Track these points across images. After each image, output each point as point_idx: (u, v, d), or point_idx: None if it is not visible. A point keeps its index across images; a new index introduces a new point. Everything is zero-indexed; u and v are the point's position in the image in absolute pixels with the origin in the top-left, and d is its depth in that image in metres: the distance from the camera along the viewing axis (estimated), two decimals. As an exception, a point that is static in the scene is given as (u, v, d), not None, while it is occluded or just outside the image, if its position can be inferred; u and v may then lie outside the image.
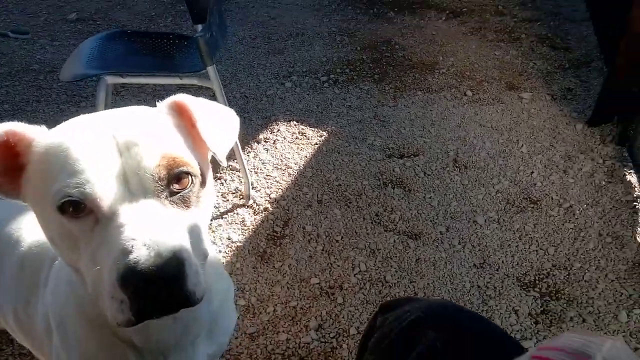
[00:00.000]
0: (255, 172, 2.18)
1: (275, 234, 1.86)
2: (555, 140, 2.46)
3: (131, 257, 0.51)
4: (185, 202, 0.61)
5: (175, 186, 0.60)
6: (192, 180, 0.61)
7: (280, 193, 2.06)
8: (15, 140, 0.59)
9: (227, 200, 2.01)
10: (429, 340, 0.60)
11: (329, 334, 1.51)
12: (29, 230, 0.89)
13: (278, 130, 2.46)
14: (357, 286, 1.67)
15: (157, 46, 2.01)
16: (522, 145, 2.41)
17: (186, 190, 0.61)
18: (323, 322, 1.54)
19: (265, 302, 1.59)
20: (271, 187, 2.09)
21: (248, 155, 2.26)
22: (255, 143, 2.36)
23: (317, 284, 1.67)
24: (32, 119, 2.54)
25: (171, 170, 0.59)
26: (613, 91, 2.43)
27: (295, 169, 2.21)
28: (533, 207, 2.05)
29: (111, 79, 1.74)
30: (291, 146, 2.36)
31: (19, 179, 0.61)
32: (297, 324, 1.53)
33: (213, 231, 1.85)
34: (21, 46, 3.04)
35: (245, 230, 1.87)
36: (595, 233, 1.91)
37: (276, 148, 2.33)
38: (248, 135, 2.39)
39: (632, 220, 1.96)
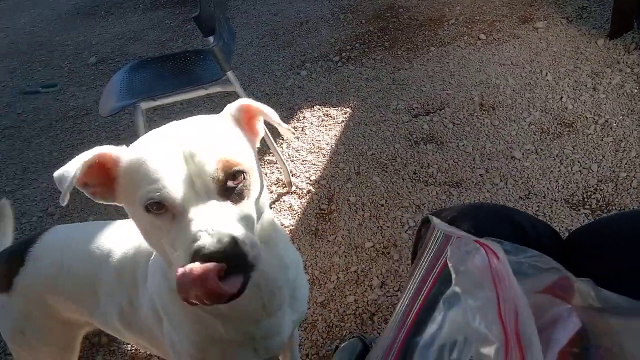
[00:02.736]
0: (292, 161, 2.27)
1: (322, 211, 1.96)
2: (579, 61, 2.43)
3: (198, 243, 0.65)
4: (239, 195, 0.74)
5: (231, 183, 0.72)
6: (245, 176, 0.74)
7: (319, 174, 2.15)
8: (104, 160, 0.74)
9: (272, 192, 2.12)
10: (463, 231, 0.67)
11: (392, 288, 1.59)
12: (118, 243, 1.04)
13: (304, 117, 2.54)
14: (409, 241, 1.74)
15: (178, 65, 2.14)
16: (547, 74, 2.40)
17: (240, 185, 0.74)
18: (385, 279, 1.63)
19: (327, 273, 1.69)
20: (309, 171, 2.19)
21: (281, 147, 2.36)
22: (286, 134, 2.45)
23: (371, 246, 1.75)
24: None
25: (227, 171, 0.72)
26: (627, -3, 2.38)
27: (328, 149, 2.29)
28: (569, 131, 2.05)
29: (145, 105, 1.87)
30: (319, 129, 2.44)
31: (114, 188, 0.76)
32: (361, 285, 1.62)
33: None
34: (54, 98, 3.26)
35: (295, 214, 1.97)
36: (635, 141, 1.90)
37: (306, 134, 2.42)
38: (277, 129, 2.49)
39: (673, 120, 1.93)
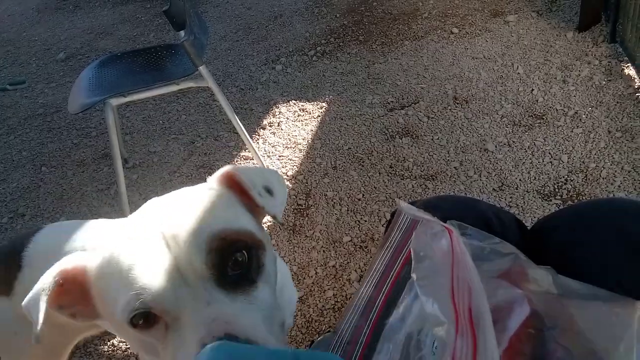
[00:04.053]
0: (268, 156, 2.26)
1: (300, 207, 1.96)
2: (549, 54, 2.48)
3: None
4: (250, 281, 0.57)
5: (234, 268, 0.56)
6: (253, 254, 0.58)
7: (296, 169, 2.15)
8: (72, 274, 0.61)
9: (249, 188, 2.10)
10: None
11: (370, 281, 1.60)
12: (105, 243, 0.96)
13: (279, 112, 2.53)
14: (387, 235, 1.76)
15: (148, 60, 2.10)
16: (518, 67, 2.44)
17: (244, 269, 0.57)
18: (363, 272, 1.64)
19: (306, 268, 1.70)
20: (286, 166, 2.18)
21: (257, 143, 2.35)
22: (262, 130, 2.44)
23: (349, 241, 1.76)
24: (52, 159, 2.63)
25: (223, 251, 0.55)
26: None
27: (304, 144, 2.29)
28: (540, 123, 2.09)
29: (115, 101, 1.83)
30: (295, 124, 2.43)
31: (92, 303, 0.62)
32: (339, 280, 1.63)
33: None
34: (22, 95, 3.17)
35: (272, 210, 1.97)
36: (604, 132, 1.95)
37: (282, 129, 2.41)
38: (253, 124, 2.47)
39: (638, 111, 1.99)
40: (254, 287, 0.58)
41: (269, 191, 0.65)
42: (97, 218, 2.11)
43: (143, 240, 0.55)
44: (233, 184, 0.66)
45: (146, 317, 0.53)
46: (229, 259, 0.56)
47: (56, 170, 2.41)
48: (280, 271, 0.71)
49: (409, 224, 0.48)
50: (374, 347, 0.43)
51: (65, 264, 0.61)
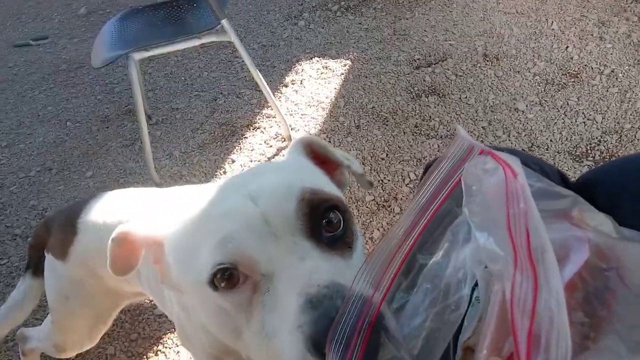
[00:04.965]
0: (291, 114, 2.23)
1: (323, 165, 1.94)
2: (586, 9, 2.35)
3: (315, 313, 0.41)
4: (344, 242, 0.51)
5: (328, 229, 0.50)
6: (343, 217, 0.52)
7: (319, 127, 2.12)
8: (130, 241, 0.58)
9: (271, 146, 2.09)
10: None
11: (393, 240, 1.60)
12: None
13: (302, 70, 2.48)
14: (410, 194, 1.74)
15: (170, 15, 2.06)
16: (552, 23, 2.33)
17: (339, 232, 0.51)
18: (386, 231, 1.63)
19: (328, 226, 1.70)
20: (309, 125, 2.15)
21: (280, 100, 2.32)
22: (284, 87, 2.40)
23: (372, 200, 1.75)
24: (76, 114, 2.64)
25: (316, 204, 0.50)
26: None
27: (327, 102, 2.25)
28: (574, 81, 2.01)
29: (138, 55, 1.81)
30: (318, 82, 2.38)
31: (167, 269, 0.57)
32: (362, 238, 1.63)
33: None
34: (45, 51, 3.17)
35: (295, 168, 1.96)
36: (642, 91, 1.86)
37: (304, 87, 2.37)
38: (275, 82, 2.43)
39: (681, 70, 1.89)
40: (350, 253, 0.51)
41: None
42: (122, 173, 2.12)
43: (224, 198, 0.51)
44: (311, 151, 0.63)
45: (230, 277, 0.46)
46: (322, 215, 0.50)
47: (81, 125, 2.43)
48: None
49: (463, 153, 0.45)
50: (407, 279, 0.41)
51: (123, 228, 0.58)
